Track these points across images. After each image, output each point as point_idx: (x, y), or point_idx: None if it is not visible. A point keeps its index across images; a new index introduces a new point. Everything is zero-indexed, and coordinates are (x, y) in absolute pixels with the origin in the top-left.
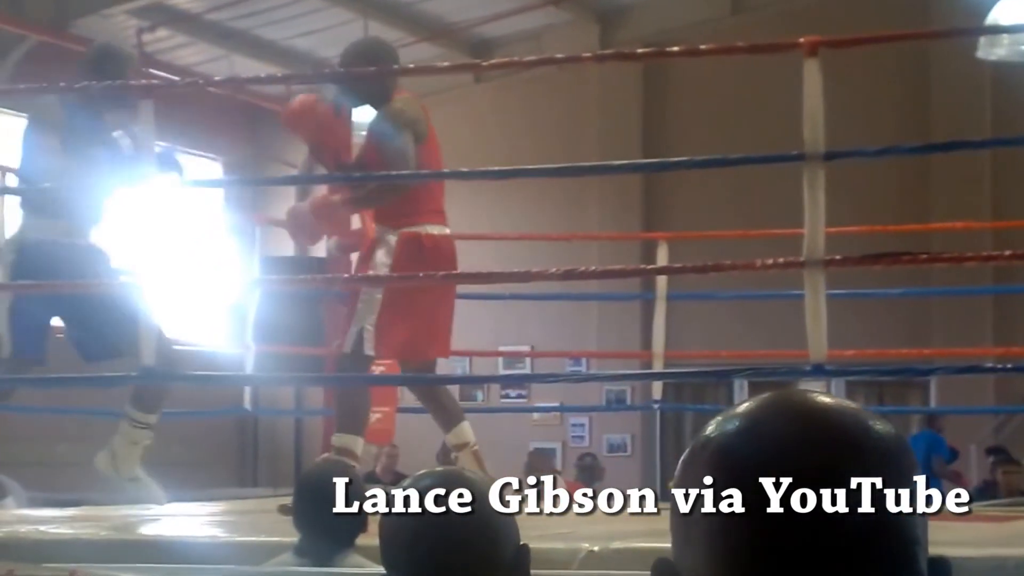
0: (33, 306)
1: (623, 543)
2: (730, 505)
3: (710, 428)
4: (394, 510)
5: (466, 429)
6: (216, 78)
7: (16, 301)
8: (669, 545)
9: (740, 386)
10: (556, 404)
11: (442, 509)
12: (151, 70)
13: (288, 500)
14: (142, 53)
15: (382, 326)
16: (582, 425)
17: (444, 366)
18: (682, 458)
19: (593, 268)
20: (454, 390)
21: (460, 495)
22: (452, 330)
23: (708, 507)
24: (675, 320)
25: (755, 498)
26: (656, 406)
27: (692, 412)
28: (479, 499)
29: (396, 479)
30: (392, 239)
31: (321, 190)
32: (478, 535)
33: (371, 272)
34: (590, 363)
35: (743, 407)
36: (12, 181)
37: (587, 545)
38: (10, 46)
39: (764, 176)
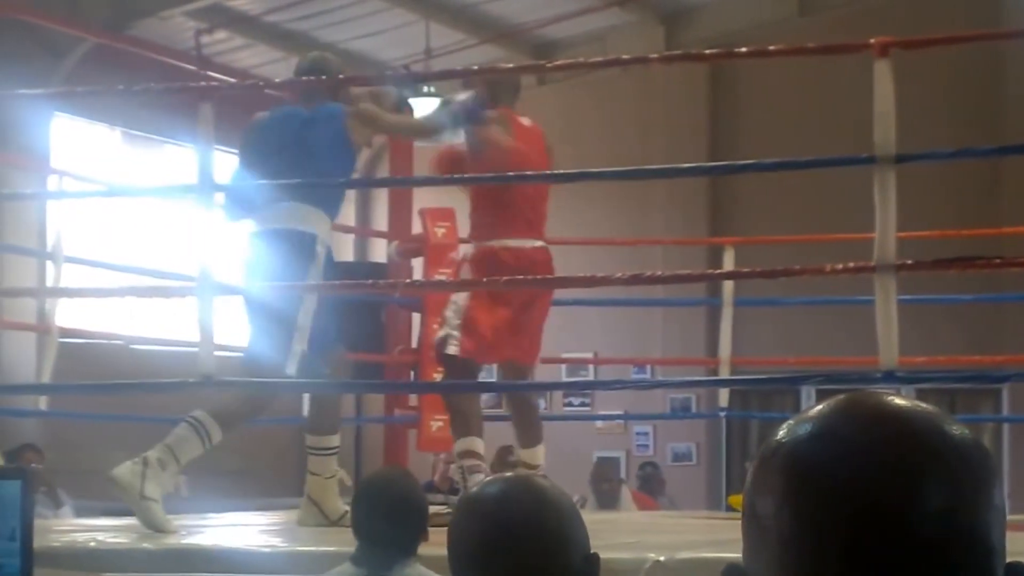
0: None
1: (689, 553)
2: (802, 511)
3: (781, 433)
4: (462, 517)
5: (540, 453)
6: (276, 80)
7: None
8: (736, 555)
9: (807, 393)
10: (620, 412)
11: (511, 516)
12: (209, 72)
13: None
14: (200, 56)
15: (466, 328)
16: (646, 433)
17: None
18: (753, 463)
19: (660, 273)
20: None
21: (529, 502)
22: (539, 340)
23: (779, 513)
24: (741, 325)
25: (828, 504)
26: (723, 414)
27: (758, 420)
28: (549, 506)
29: (454, 489)
30: (470, 252)
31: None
32: (548, 543)
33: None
34: (655, 370)
35: (814, 411)
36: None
37: (653, 555)
38: (67, 49)
39: (832, 179)
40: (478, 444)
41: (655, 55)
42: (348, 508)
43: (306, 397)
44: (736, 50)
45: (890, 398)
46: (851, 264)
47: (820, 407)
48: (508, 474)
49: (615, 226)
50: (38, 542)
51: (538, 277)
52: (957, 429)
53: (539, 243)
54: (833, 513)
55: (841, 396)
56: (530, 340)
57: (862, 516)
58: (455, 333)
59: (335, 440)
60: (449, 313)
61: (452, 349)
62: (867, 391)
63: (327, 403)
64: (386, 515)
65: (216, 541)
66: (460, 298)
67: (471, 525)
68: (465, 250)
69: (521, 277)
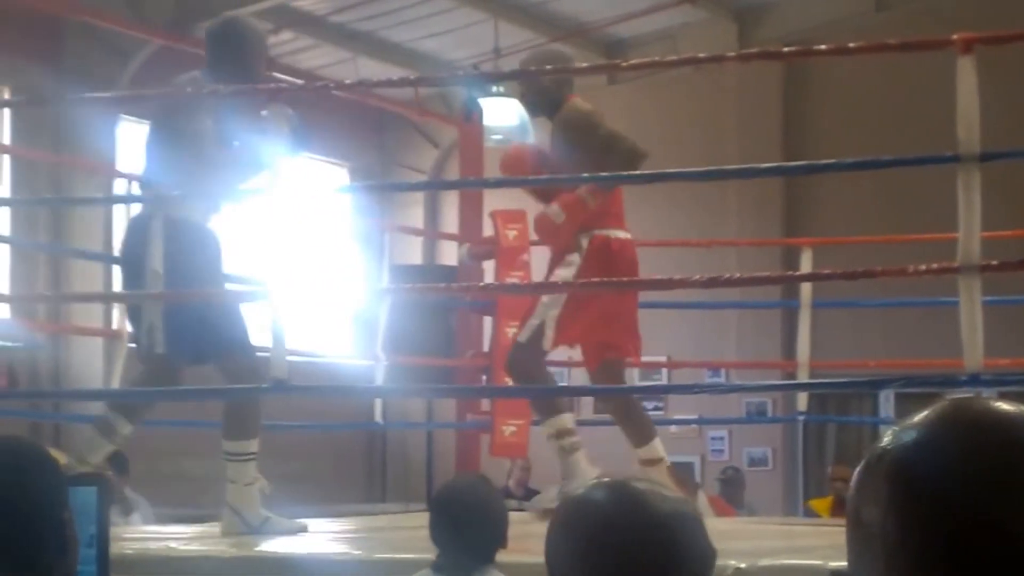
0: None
1: (770, 559)
2: (907, 519)
3: (886, 439)
4: (561, 523)
5: (659, 446)
6: (346, 81)
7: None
8: (816, 561)
9: (886, 397)
10: (694, 416)
11: (616, 520)
12: (276, 74)
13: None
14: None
15: (564, 319)
16: (721, 438)
17: (579, 376)
18: (858, 470)
19: (738, 276)
20: (588, 402)
21: (630, 508)
22: (637, 332)
23: (885, 520)
24: (816, 327)
25: (935, 510)
26: (801, 418)
27: (835, 424)
28: (654, 509)
29: (529, 494)
30: (584, 242)
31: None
32: (652, 548)
33: (559, 271)
34: (730, 374)
35: (919, 418)
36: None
37: (734, 562)
38: (132, 51)
39: (911, 179)
40: (570, 420)
41: (732, 53)
42: (270, 515)
43: (376, 402)
44: (815, 47)
45: (995, 404)
46: (934, 265)
47: (925, 414)
48: (614, 478)
49: (686, 227)
50: (111, 549)
51: (623, 280)
52: None
53: (630, 235)
54: (938, 521)
55: (946, 402)
56: (628, 333)
57: (966, 524)
58: (551, 323)
59: (253, 445)
60: (545, 299)
61: (547, 343)
62: (971, 397)
63: (244, 407)
64: (465, 522)
65: (290, 548)
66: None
67: (568, 531)
68: (575, 237)
69: (598, 280)
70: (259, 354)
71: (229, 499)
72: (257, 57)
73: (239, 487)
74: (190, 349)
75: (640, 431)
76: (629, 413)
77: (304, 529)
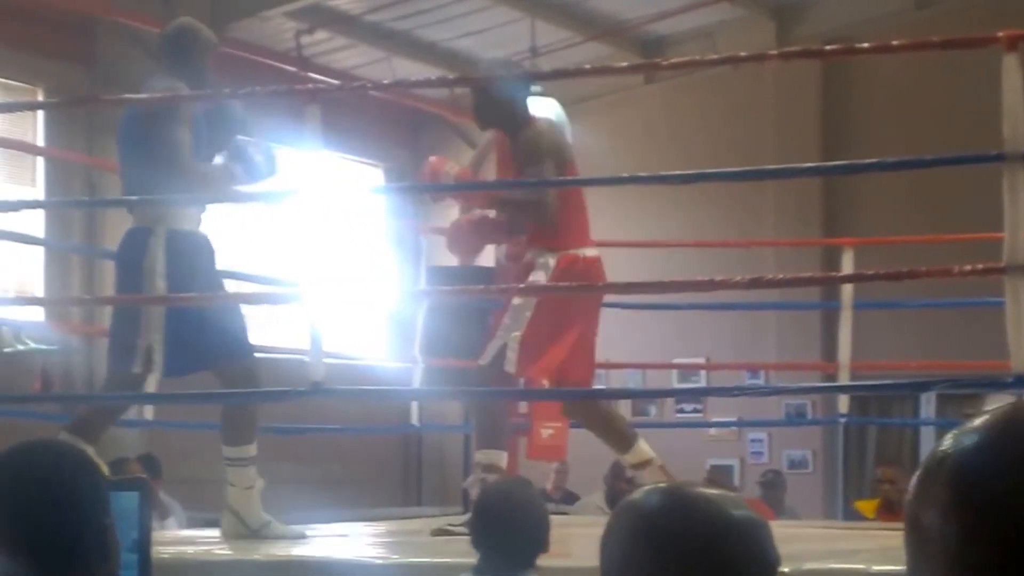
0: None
1: (815, 563)
2: (967, 524)
3: (946, 444)
4: (615, 528)
5: (644, 447)
6: (384, 81)
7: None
8: (860, 565)
9: (927, 399)
10: (733, 419)
11: (672, 526)
12: (310, 74)
13: (443, 522)
14: (300, 56)
15: (528, 342)
16: (761, 441)
17: (616, 379)
18: (916, 475)
19: (781, 277)
20: (626, 405)
21: (681, 514)
22: (593, 360)
23: (945, 525)
24: (857, 329)
25: (997, 515)
26: (843, 420)
27: (876, 426)
28: (714, 514)
29: (566, 497)
30: (551, 261)
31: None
32: (695, 559)
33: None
34: (769, 375)
35: (979, 422)
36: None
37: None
38: None
39: (953, 178)
40: (503, 459)
41: (774, 52)
42: (270, 520)
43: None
44: (857, 45)
45: None
46: (979, 265)
47: (986, 417)
48: (664, 484)
49: (723, 228)
50: None
51: (654, 281)
52: None
53: (598, 253)
54: (998, 527)
55: (1007, 406)
56: (591, 359)
57: None
58: (514, 345)
59: (252, 449)
60: (508, 320)
61: (509, 365)
62: None
63: (242, 412)
64: (506, 526)
65: (327, 552)
66: (526, 307)
67: (625, 537)
68: (537, 257)
69: (637, 282)
70: (257, 356)
71: (230, 502)
72: (206, 61)
73: (239, 491)
74: (188, 360)
75: (621, 437)
76: (606, 422)
77: (303, 535)
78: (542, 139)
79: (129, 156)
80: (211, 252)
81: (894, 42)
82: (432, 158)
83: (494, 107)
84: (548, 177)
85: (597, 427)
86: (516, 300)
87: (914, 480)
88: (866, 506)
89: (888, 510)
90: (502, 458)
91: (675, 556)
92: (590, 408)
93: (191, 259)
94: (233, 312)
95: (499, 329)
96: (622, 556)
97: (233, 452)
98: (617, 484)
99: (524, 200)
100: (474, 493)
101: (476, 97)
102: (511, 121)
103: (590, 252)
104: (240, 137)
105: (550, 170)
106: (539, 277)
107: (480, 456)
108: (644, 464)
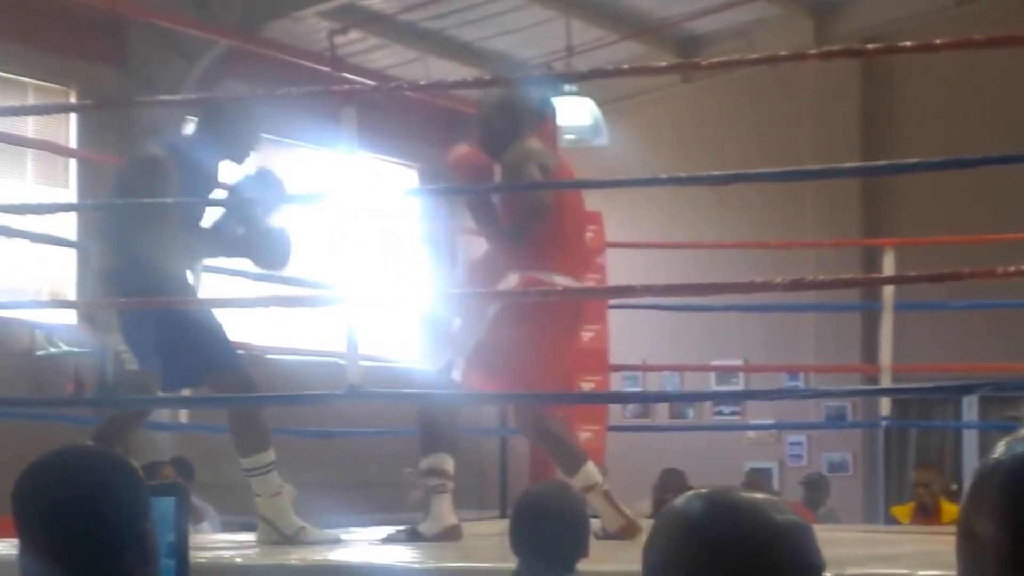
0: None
1: (856, 569)
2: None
3: (999, 451)
4: (659, 533)
5: (592, 469)
6: (420, 82)
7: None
8: (902, 570)
9: (969, 402)
10: (772, 421)
11: (716, 532)
12: (344, 74)
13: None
14: (334, 57)
15: (477, 352)
16: (800, 443)
17: (655, 381)
18: (970, 481)
19: (822, 278)
20: (663, 407)
21: (728, 520)
22: (560, 380)
23: (999, 533)
24: (898, 331)
25: None
26: (884, 423)
27: (917, 430)
28: (759, 519)
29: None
30: (513, 280)
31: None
32: (758, 559)
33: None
34: (808, 378)
35: None
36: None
37: None
38: (199, 52)
39: (994, 178)
40: (449, 463)
41: (814, 51)
42: (304, 525)
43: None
44: (899, 44)
45: None
46: None
47: None
48: (711, 488)
49: (761, 228)
50: None
51: (696, 284)
52: None
53: (577, 283)
54: None
55: None
56: (547, 383)
57: None
58: (461, 357)
59: (269, 455)
60: (463, 332)
61: (456, 374)
62: None
63: (249, 421)
64: (545, 531)
65: (364, 557)
66: (485, 315)
67: (666, 542)
68: (504, 274)
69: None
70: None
71: (261, 511)
72: (252, 144)
73: (266, 499)
74: (180, 375)
75: (569, 459)
76: (556, 442)
77: (338, 539)
78: (526, 146)
79: (113, 211)
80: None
81: (936, 40)
82: (460, 146)
83: (493, 136)
84: (534, 179)
85: (544, 443)
86: (477, 307)
87: (967, 488)
88: (902, 511)
89: (923, 514)
90: (445, 460)
91: (719, 562)
92: (540, 423)
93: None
94: (215, 325)
95: (456, 338)
96: (665, 561)
97: (249, 462)
98: (665, 497)
99: (525, 209)
100: (420, 498)
101: (482, 129)
102: (502, 147)
103: (560, 279)
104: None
105: (535, 173)
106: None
107: (423, 463)
108: (590, 488)
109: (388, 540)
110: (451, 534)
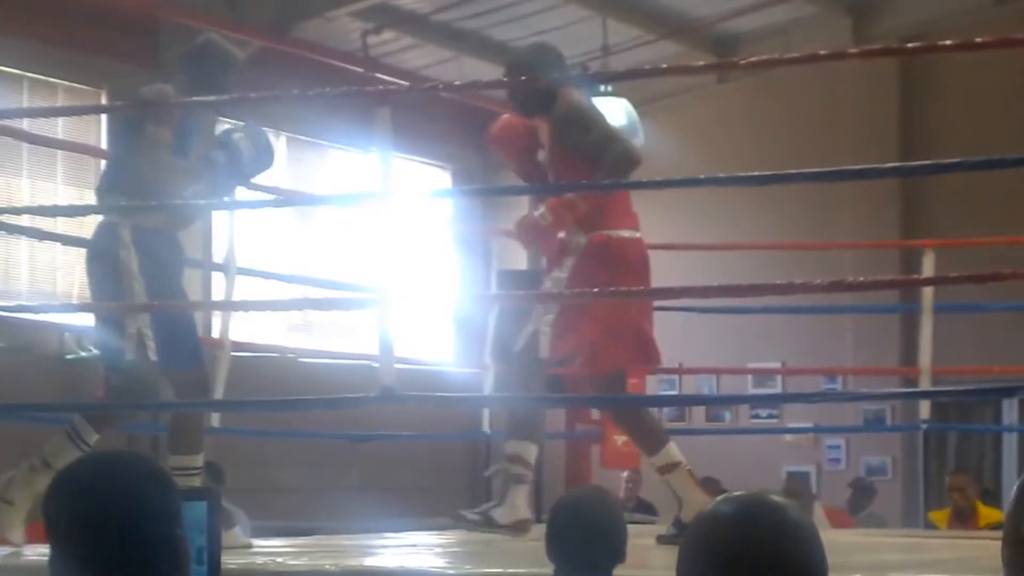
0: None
1: (896, 574)
2: None
3: None
4: (694, 537)
5: (667, 453)
6: (455, 82)
7: None
8: None
9: (1010, 405)
10: (810, 424)
11: (741, 535)
12: (377, 74)
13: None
14: (367, 57)
15: (560, 324)
16: (838, 447)
17: (691, 384)
18: (1017, 487)
19: (861, 279)
20: (700, 410)
21: (767, 524)
22: (645, 341)
23: None
24: (937, 332)
25: None
26: (924, 426)
27: (957, 433)
28: (788, 529)
29: (639, 505)
30: (582, 241)
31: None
32: (784, 568)
33: (555, 274)
34: (847, 380)
35: None
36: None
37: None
38: None
39: None
40: (532, 452)
41: (854, 50)
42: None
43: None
44: (939, 43)
45: None
46: None
47: None
48: (745, 492)
49: (798, 228)
50: None
51: (734, 285)
52: None
53: (639, 235)
54: None
55: None
56: (633, 343)
57: None
58: (545, 329)
59: (199, 460)
60: (538, 306)
61: (543, 351)
62: None
63: (191, 421)
64: (581, 537)
65: (400, 562)
66: (558, 285)
67: (698, 546)
68: (572, 237)
69: (715, 286)
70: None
71: None
72: (229, 78)
73: None
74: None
75: (652, 438)
76: (637, 422)
77: (249, 545)
78: (573, 97)
79: (110, 150)
80: (178, 251)
81: (978, 39)
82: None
83: (533, 94)
84: (612, 128)
85: (626, 424)
86: (547, 283)
87: (1015, 492)
88: (939, 516)
89: (959, 519)
90: (529, 449)
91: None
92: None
93: (156, 256)
94: (186, 320)
95: (532, 313)
96: (697, 565)
97: (177, 461)
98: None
99: (614, 159)
100: (496, 483)
101: (514, 90)
102: (547, 101)
103: (625, 233)
104: (230, 123)
105: (604, 131)
106: (570, 259)
107: (509, 447)
108: (672, 467)
109: (460, 520)
110: (522, 527)
